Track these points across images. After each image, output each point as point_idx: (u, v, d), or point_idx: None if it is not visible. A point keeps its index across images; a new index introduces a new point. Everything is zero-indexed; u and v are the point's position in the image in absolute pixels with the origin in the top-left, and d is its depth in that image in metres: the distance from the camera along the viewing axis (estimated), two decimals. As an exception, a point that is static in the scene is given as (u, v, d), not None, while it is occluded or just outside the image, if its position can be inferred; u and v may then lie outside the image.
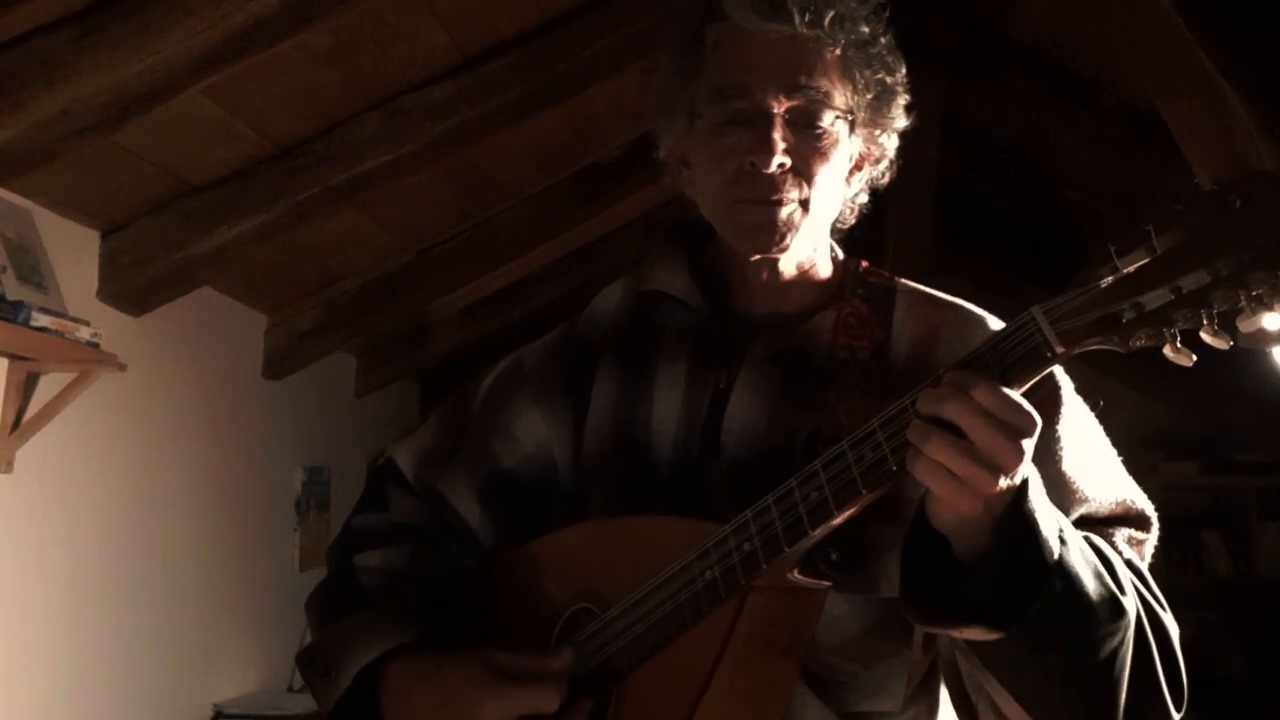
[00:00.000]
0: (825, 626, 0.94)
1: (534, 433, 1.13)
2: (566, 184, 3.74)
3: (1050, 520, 0.83)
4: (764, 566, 0.89)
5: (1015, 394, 0.80)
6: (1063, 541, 0.83)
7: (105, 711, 2.81)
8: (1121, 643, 0.85)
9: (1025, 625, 0.81)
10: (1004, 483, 0.80)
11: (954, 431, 0.79)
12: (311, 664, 1.05)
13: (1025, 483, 0.82)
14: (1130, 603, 0.86)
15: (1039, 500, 0.83)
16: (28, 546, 2.51)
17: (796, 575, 0.91)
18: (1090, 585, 0.83)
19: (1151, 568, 1.00)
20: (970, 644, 0.86)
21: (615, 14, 2.76)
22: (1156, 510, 1.02)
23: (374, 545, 1.12)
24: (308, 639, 1.12)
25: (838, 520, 0.87)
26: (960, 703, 0.97)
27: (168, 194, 2.70)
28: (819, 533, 0.88)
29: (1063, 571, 0.82)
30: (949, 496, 0.81)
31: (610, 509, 1.06)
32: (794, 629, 0.91)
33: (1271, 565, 5.06)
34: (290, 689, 3.79)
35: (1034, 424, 0.79)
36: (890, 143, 1.09)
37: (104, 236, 2.72)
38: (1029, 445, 0.80)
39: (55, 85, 1.97)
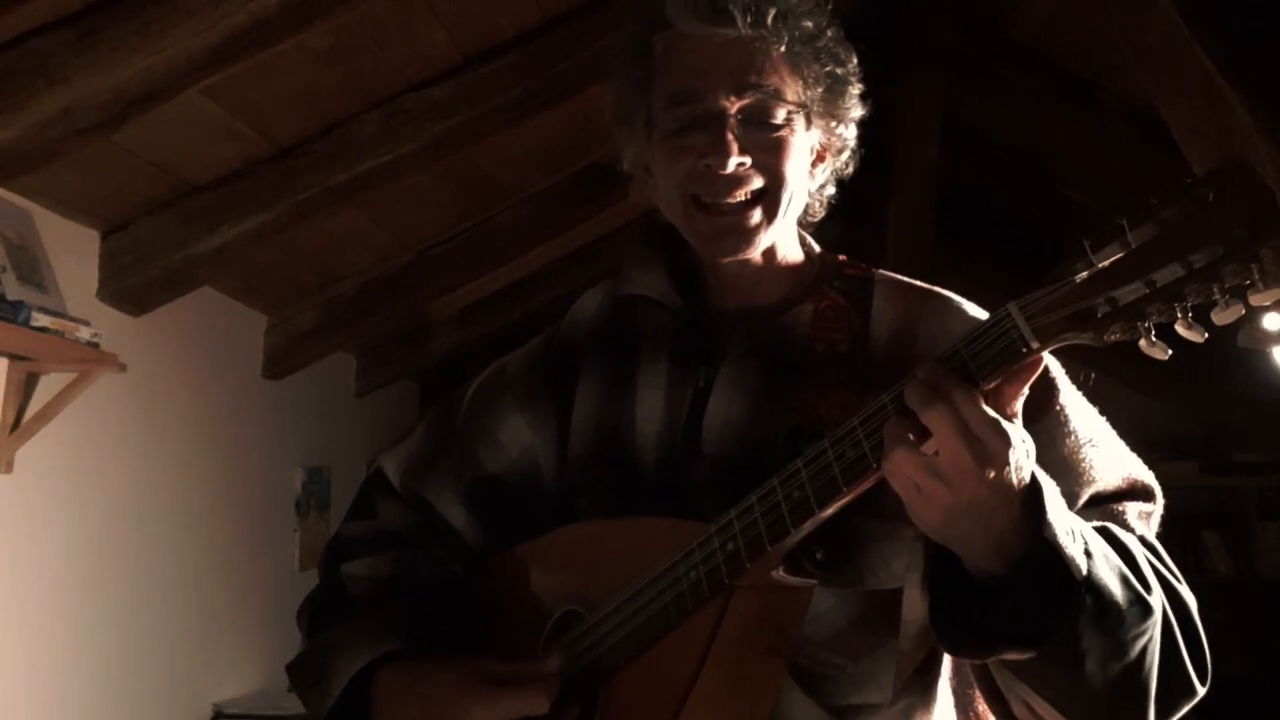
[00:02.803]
0: (812, 620, 0.94)
1: (518, 438, 1.14)
2: (566, 184, 3.73)
3: (1074, 535, 0.83)
4: (747, 566, 0.89)
5: (993, 414, 0.80)
6: (1088, 554, 0.83)
7: (105, 711, 2.81)
8: (1150, 639, 0.85)
9: (1057, 642, 0.81)
10: (960, 499, 0.80)
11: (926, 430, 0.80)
12: (301, 673, 1.06)
13: (1041, 505, 0.81)
14: (1156, 599, 0.86)
15: (1058, 517, 0.82)
16: (28, 546, 2.51)
17: (781, 574, 0.92)
18: (1119, 593, 0.83)
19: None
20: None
21: (615, 14, 2.76)
22: (1157, 511, 1.03)
23: (361, 553, 1.13)
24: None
25: (820, 518, 0.87)
26: (992, 696, 0.97)
27: (168, 194, 2.70)
28: (801, 531, 0.88)
29: (1091, 585, 0.82)
30: (908, 497, 0.83)
31: (597, 512, 1.06)
32: (779, 627, 0.92)
33: (1271, 565, 5.07)
34: (290, 689, 3.79)
35: (1005, 452, 0.79)
36: (849, 133, 1.10)
37: (104, 236, 2.72)
38: (993, 475, 0.79)
39: (55, 85, 1.97)
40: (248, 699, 3.52)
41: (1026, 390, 0.84)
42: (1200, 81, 1.88)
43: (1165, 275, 0.75)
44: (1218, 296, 0.74)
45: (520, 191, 3.70)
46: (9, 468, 2.41)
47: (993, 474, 0.79)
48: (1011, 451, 0.80)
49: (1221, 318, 0.76)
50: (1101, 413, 1.03)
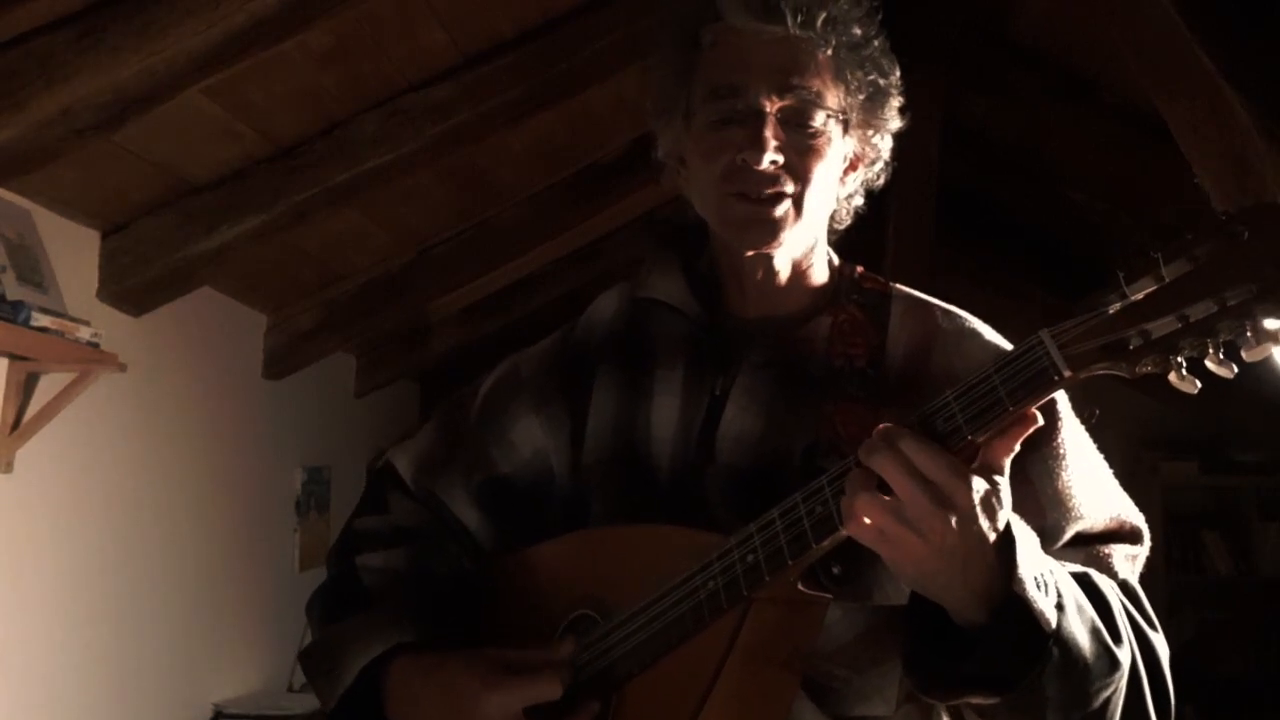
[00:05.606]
0: (820, 633, 0.94)
1: (531, 439, 1.14)
2: (566, 184, 3.73)
3: (1045, 587, 0.84)
4: (767, 578, 0.90)
5: (951, 459, 0.81)
6: (1060, 608, 0.83)
7: (105, 711, 2.81)
8: (1115, 690, 0.87)
9: (1021, 691, 0.82)
10: (932, 546, 0.80)
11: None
12: (315, 662, 1.06)
13: (1013, 558, 0.82)
14: (1125, 652, 0.87)
15: (1030, 569, 0.83)
16: (28, 546, 2.51)
17: (799, 588, 0.92)
18: (1087, 647, 0.84)
19: (1151, 568, 1.02)
20: None
21: (615, 14, 2.76)
22: (1157, 510, 1.03)
23: (375, 547, 1.13)
24: (307, 640, 1.12)
25: (842, 534, 0.87)
26: (956, 717, 0.98)
27: (168, 194, 2.70)
28: (822, 546, 0.88)
29: (1060, 639, 0.82)
30: (874, 545, 0.84)
31: (610, 516, 1.06)
32: (795, 641, 0.92)
33: (1271, 565, 5.06)
34: (290, 689, 3.79)
35: (965, 494, 0.80)
36: (885, 144, 1.10)
37: (104, 236, 2.72)
38: (957, 519, 0.80)
39: (55, 85, 1.97)
40: (248, 699, 3.51)
41: (1018, 446, 0.84)
42: (1200, 81, 1.88)
43: (1199, 311, 0.76)
44: (1249, 334, 0.75)
45: (520, 191, 3.70)
46: (9, 468, 2.41)
47: (955, 518, 0.80)
48: (974, 495, 0.80)
49: (1252, 355, 0.76)
50: (1102, 413, 1.04)
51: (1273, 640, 4.97)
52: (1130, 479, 1.05)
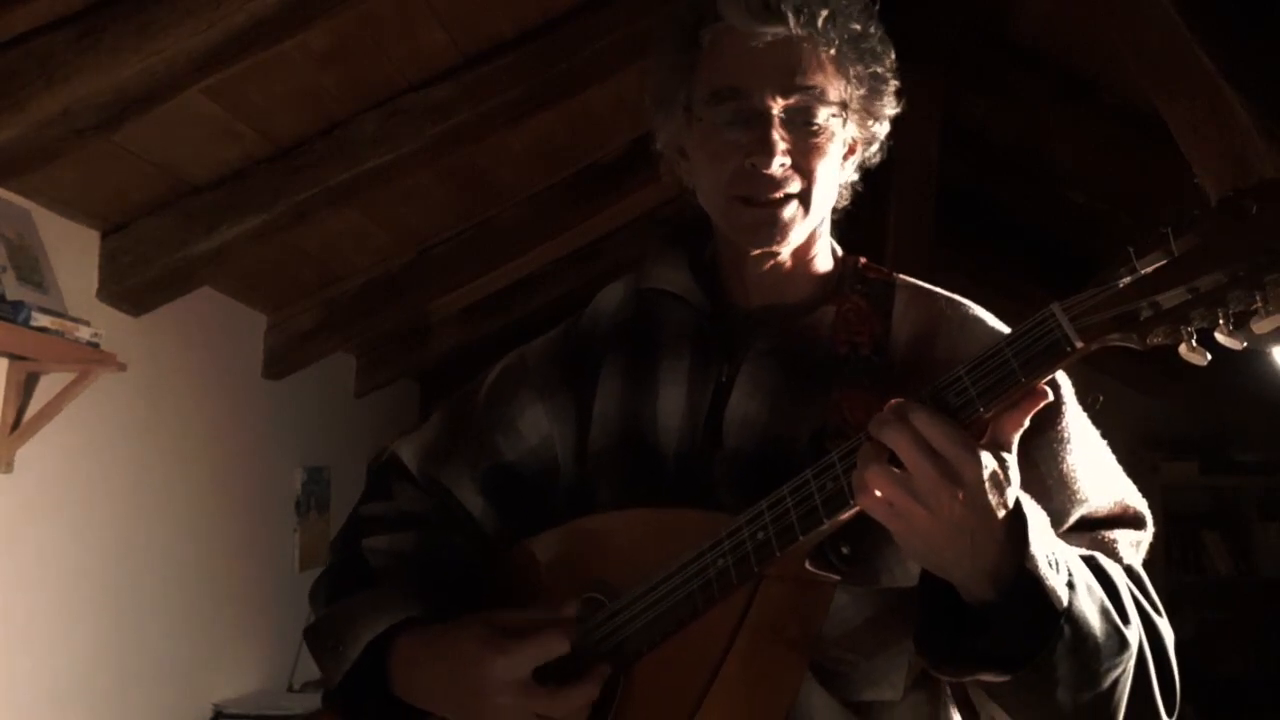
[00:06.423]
0: (828, 617, 0.95)
1: (536, 427, 1.15)
2: (566, 184, 3.74)
3: (1056, 565, 0.84)
4: (777, 554, 0.90)
5: (962, 434, 0.81)
6: (1071, 586, 0.84)
7: (105, 711, 2.80)
8: (1123, 671, 0.87)
9: (1033, 668, 0.82)
10: (939, 519, 0.81)
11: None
12: (320, 638, 1.06)
13: (1024, 535, 0.82)
14: (1134, 633, 0.87)
15: (1041, 547, 0.83)
16: (28, 546, 2.51)
17: (808, 566, 0.92)
18: (1097, 626, 0.84)
19: (1151, 567, 1.01)
20: None
21: (615, 14, 2.76)
22: (1158, 510, 1.04)
23: (381, 531, 1.14)
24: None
25: (852, 511, 0.87)
26: (963, 703, 0.98)
27: (168, 194, 2.70)
28: (833, 523, 0.89)
29: (1071, 617, 0.83)
30: (885, 519, 0.84)
31: (617, 503, 1.07)
32: (803, 620, 0.92)
33: (1271, 565, 5.07)
34: (290, 689, 3.79)
35: (973, 468, 0.80)
36: (882, 130, 1.10)
37: (104, 236, 2.72)
38: (964, 493, 0.80)
39: (55, 85, 1.97)
40: (248, 699, 3.52)
41: (1027, 421, 0.84)
42: (1200, 81, 1.88)
43: (1208, 282, 0.76)
44: (1259, 305, 0.75)
45: (520, 191, 3.70)
46: (9, 468, 2.41)
47: (963, 493, 0.80)
48: (982, 469, 0.80)
49: (1261, 326, 0.76)
50: (1102, 413, 1.04)
51: (1273, 640, 4.97)
52: (1130, 479, 1.05)
